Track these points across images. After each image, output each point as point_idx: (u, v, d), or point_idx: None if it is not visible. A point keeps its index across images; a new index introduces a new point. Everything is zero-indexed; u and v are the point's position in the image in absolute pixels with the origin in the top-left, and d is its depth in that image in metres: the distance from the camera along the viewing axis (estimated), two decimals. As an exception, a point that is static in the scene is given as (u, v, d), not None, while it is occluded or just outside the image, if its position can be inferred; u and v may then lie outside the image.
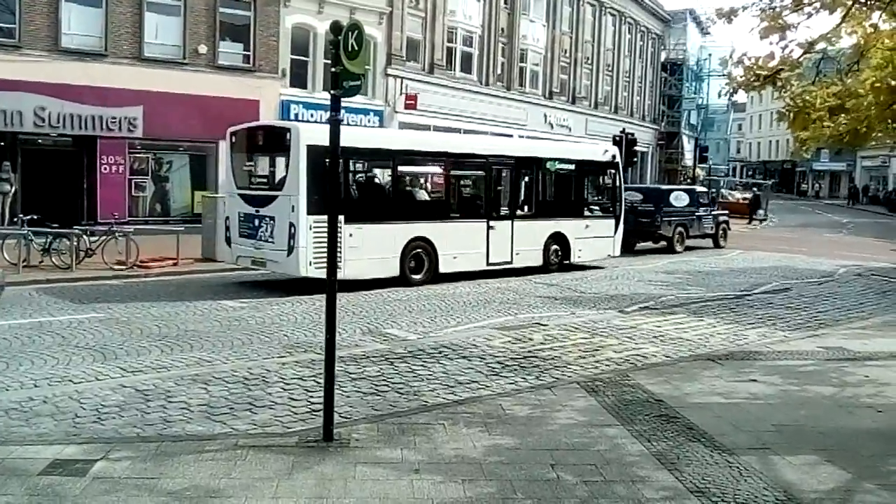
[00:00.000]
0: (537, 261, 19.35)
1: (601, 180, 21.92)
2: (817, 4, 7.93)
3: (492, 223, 18.23)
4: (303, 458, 6.08)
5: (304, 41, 28.09)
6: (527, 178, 19.86)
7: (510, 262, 18.62)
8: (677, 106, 62.19)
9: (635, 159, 29.26)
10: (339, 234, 12.65)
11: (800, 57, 8.39)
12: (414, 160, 18.12)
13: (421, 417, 7.32)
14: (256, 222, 15.81)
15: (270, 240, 15.44)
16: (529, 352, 10.56)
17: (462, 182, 19.25)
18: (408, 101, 31.37)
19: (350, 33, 6.50)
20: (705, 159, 47.18)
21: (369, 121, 29.90)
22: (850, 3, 7.87)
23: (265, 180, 17.00)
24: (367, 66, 6.62)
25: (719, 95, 57.17)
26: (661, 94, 58.98)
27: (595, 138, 43.36)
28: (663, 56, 58.85)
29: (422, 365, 9.66)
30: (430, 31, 33.11)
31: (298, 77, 28.07)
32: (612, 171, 21.82)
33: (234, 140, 17.14)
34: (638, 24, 52.47)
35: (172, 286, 15.82)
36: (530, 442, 6.64)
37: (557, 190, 20.70)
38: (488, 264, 18.12)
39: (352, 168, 16.19)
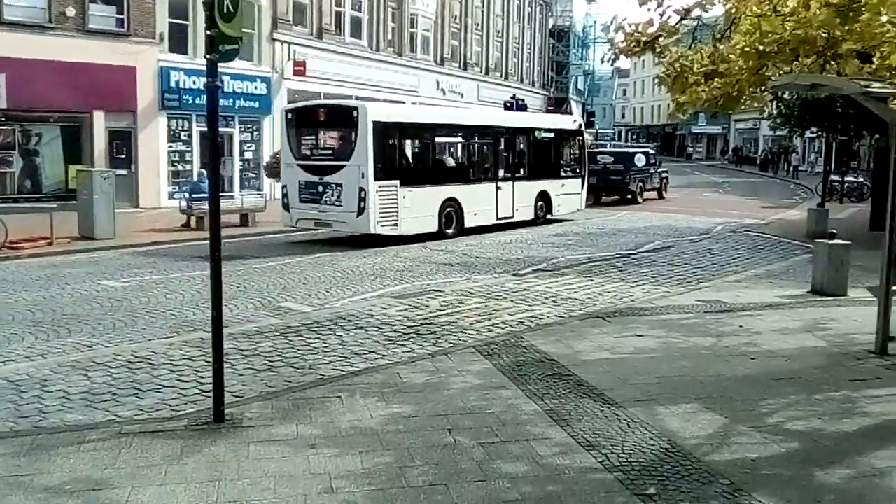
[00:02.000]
0: (530, 215, 22.89)
1: (571, 145, 25.39)
2: (692, -28, 8.22)
3: (499, 184, 21.62)
4: (193, 442, 5.92)
5: (184, 4, 26.77)
6: (521, 146, 23.13)
7: (511, 217, 22.05)
8: (565, 72, 63.38)
9: (288, 114, 29.54)
10: (395, 196, 18.17)
11: (677, 23, 8.69)
12: (445, 132, 21.50)
13: (317, 391, 7.28)
14: (320, 189, 18.38)
15: (338, 203, 18.10)
16: (426, 319, 10.66)
17: (477, 150, 22.47)
18: (296, 68, 30.73)
19: (225, -7, 6.26)
20: (592, 124, 48.46)
21: (256, 88, 29.24)
22: (722, -30, 8.22)
23: (330, 152, 19.31)
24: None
25: (602, 61, 58.59)
26: (549, 61, 59.98)
27: (486, 104, 43.92)
28: (551, 23, 59.74)
29: (317, 338, 9.60)
30: (317, -5, 32.46)
31: (179, 42, 26.87)
32: (580, 137, 25.61)
33: (290, 116, 19.49)
34: (526, -10, 53.03)
35: (47, 268, 15.07)
36: (428, 409, 6.75)
37: (542, 155, 23.88)
38: (497, 219, 21.52)
39: (403, 139, 19.58)
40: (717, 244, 19.44)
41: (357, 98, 32.03)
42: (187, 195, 21.64)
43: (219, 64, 6.48)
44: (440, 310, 11.26)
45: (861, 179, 35.13)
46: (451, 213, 20.06)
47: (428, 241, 18.84)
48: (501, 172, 21.92)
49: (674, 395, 7.05)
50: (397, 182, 18.35)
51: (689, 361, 8.31)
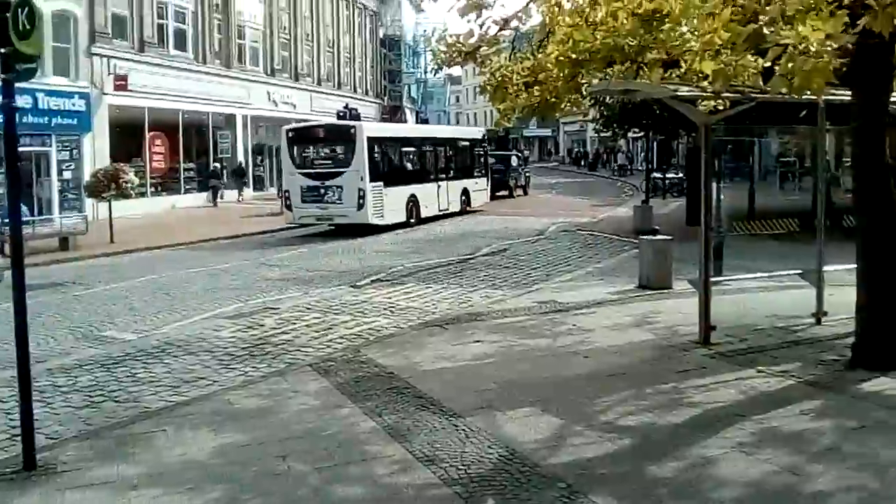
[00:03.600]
0: (458, 208, 28.71)
1: (479, 152, 31.88)
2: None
3: (439, 184, 27.63)
4: (-1, 495, 5.38)
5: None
6: (451, 153, 29.56)
7: (448, 209, 27.90)
8: (398, 80, 63.85)
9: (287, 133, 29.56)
10: (382, 194, 23.29)
11: (496, 34, 8.77)
12: (407, 143, 27.33)
13: (141, 426, 6.84)
14: (322, 191, 23.30)
15: (339, 202, 23.08)
16: (261, 338, 10.30)
17: (426, 157, 27.97)
18: (117, 82, 29.20)
19: (20, 10, 5.77)
20: (426, 131, 48.99)
21: (74, 104, 27.47)
22: (537, -18, 8.40)
23: (330, 161, 24.01)
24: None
25: (425, 71, 59.45)
26: (382, 70, 60.15)
27: (320, 114, 43.41)
28: (382, 32, 59.97)
29: (143, 367, 9.06)
30: (137, 7, 30.92)
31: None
32: (484, 145, 32.79)
33: (291, 135, 24.73)
34: (355, 1, 52.87)
35: None
36: (261, 435, 6.45)
37: (463, 159, 30.45)
38: (439, 211, 27.31)
39: (384, 150, 25.02)
40: (550, 244, 20.05)
41: (184, 112, 32.04)
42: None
43: (21, 83, 6.04)
44: (275, 328, 10.92)
45: (681, 175, 37.32)
46: (412, 207, 25.53)
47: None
48: (441, 175, 28.07)
49: (512, 400, 7.10)
50: (382, 183, 23.64)
51: (527, 364, 8.42)
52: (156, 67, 31.61)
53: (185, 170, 34.22)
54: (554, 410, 6.78)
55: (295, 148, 24.53)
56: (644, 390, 7.31)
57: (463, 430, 6.35)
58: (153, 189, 31.83)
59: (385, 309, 12.07)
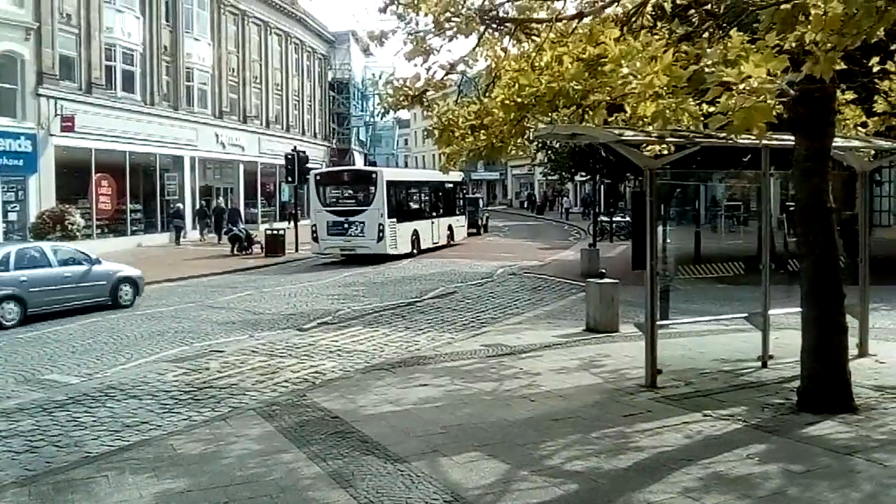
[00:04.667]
0: (445, 241, 33.03)
1: (459, 193, 36.61)
2: (454, 29, 8.44)
3: (433, 221, 32.11)
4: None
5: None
6: (441, 194, 34.07)
7: (438, 242, 32.17)
8: (347, 123, 63.93)
9: (307, 176, 29.59)
10: (395, 229, 27.57)
11: (442, 78, 8.84)
12: (411, 186, 31.86)
13: (82, 471, 6.65)
14: (346, 226, 27.44)
15: (361, 235, 27.21)
16: (205, 382, 10.10)
17: (423, 198, 32.55)
18: (64, 123, 28.69)
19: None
20: (376, 174, 49.07)
21: (20, 145, 27.00)
22: (482, 29, 8.51)
23: (353, 201, 28.26)
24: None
25: (372, 115, 59.75)
26: (330, 113, 60.26)
27: (268, 157, 43.29)
28: (330, 75, 60.20)
29: (85, 411, 8.85)
30: (85, 49, 30.53)
31: None
32: (463, 187, 37.68)
33: (318, 177, 29.48)
34: (304, 45, 53.10)
35: None
36: (203, 482, 6.27)
37: (447, 200, 34.88)
38: (433, 243, 31.44)
39: (397, 191, 29.20)
40: (498, 287, 20.09)
41: (131, 153, 32.67)
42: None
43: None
44: (220, 371, 10.71)
45: (628, 219, 37.90)
46: (415, 240, 29.68)
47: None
48: (434, 213, 32.69)
49: (457, 445, 7.01)
50: (395, 220, 27.91)
51: (472, 408, 8.34)
52: (103, 109, 31.22)
53: (132, 211, 33.64)
54: (500, 455, 6.70)
55: (321, 188, 28.79)
56: (590, 435, 7.27)
57: (408, 475, 6.24)
58: (99, 230, 31.19)
59: (331, 352, 11.91)
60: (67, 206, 26.03)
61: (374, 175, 28.33)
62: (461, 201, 36.78)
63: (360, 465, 6.50)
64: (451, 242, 33.80)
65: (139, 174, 34.20)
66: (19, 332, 14.51)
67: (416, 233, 29.77)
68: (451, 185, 35.19)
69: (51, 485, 6.33)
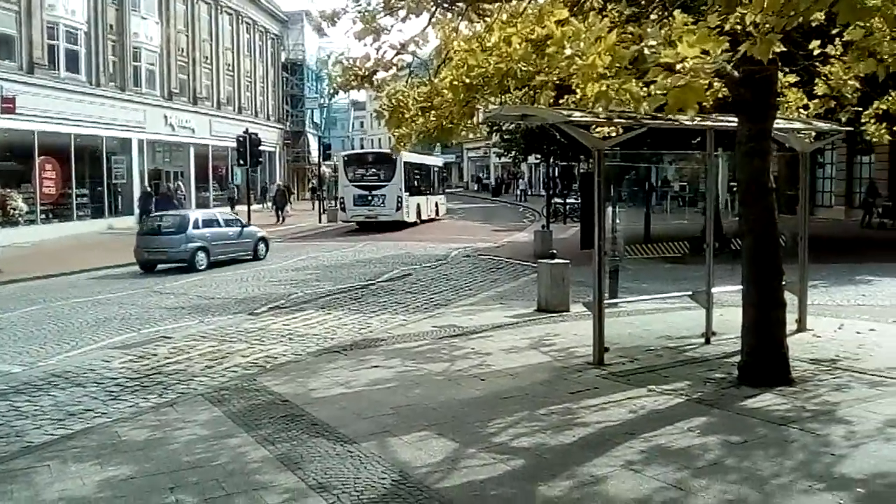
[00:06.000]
0: (435, 215, 39.64)
1: (443, 175, 44.77)
2: (405, 9, 8.40)
3: (428, 197, 39.07)
4: None
5: None
6: (433, 175, 41.23)
7: (431, 216, 38.74)
8: (301, 105, 63.28)
9: (261, 159, 29.34)
10: (408, 202, 35.06)
11: (393, 58, 8.78)
12: (415, 166, 37.45)
13: (22, 461, 6.51)
14: (369, 198, 34.06)
15: (382, 206, 33.85)
16: (153, 368, 9.99)
17: (420, 177, 38.68)
18: (5, 105, 27.84)
19: None
20: (329, 156, 48.62)
21: (-46, 128, 26.22)
22: (433, 9, 8.47)
23: (376, 178, 34.55)
24: None
25: (321, 95, 59.21)
26: (284, 94, 59.59)
27: (220, 139, 42.70)
28: (283, 56, 59.46)
29: (27, 400, 8.68)
30: (26, 27, 29.69)
31: None
32: (445, 170, 46.52)
33: (346, 158, 37.47)
34: (256, 25, 52.40)
35: None
36: (148, 468, 6.20)
37: (438, 180, 42.27)
38: (426, 216, 37.92)
39: (410, 170, 35.80)
40: (452, 269, 20.15)
41: (76, 136, 31.92)
42: None
43: None
44: (168, 357, 10.60)
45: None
46: (419, 211, 36.56)
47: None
48: (429, 191, 39.64)
49: (407, 425, 7.04)
50: (408, 194, 34.76)
51: (423, 389, 8.38)
52: (46, 90, 30.34)
53: (77, 195, 32.89)
54: (448, 434, 6.75)
55: (350, 168, 35.75)
56: (537, 412, 7.36)
57: (357, 455, 6.26)
58: (44, 216, 30.47)
59: (283, 336, 11.86)
60: (9, 190, 25.32)
61: (394, 157, 33.20)
62: (444, 182, 43.87)
63: (308, 448, 6.49)
64: (437, 217, 39.80)
65: (85, 157, 33.46)
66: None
67: (418, 205, 36.49)
68: (438, 168, 42.18)
69: (-11, 475, 6.19)
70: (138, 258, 21.53)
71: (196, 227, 21.69)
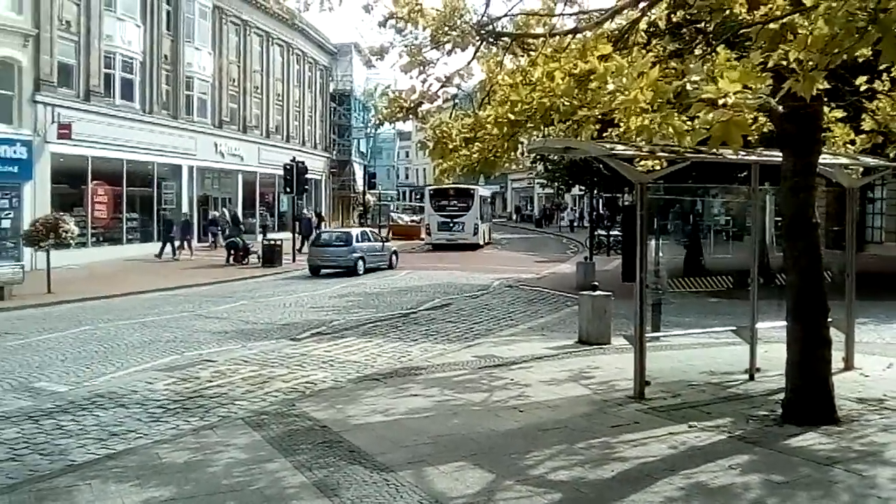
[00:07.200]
0: (489, 240, 44.65)
1: (486, 203, 48.02)
2: (451, 43, 8.53)
3: (486, 224, 44.34)
4: None
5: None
6: (482, 203, 44.13)
7: (488, 240, 44.01)
8: (347, 135, 64.03)
9: (307, 187, 29.74)
10: (482, 228, 43.77)
11: (438, 90, 8.93)
12: (486, 199, 45.59)
13: (65, 479, 6.62)
14: (451, 225, 41.01)
15: (461, 231, 40.77)
16: (195, 391, 10.12)
17: (486, 206, 45.72)
18: (61, 131, 28.69)
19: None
20: (374, 185, 49.22)
21: (15, 151, 26.90)
22: (479, 43, 8.60)
23: (456, 208, 41.31)
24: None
25: (366, 126, 59.87)
26: (331, 124, 60.41)
27: (267, 167, 43.39)
28: (332, 87, 60.38)
29: (72, 420, 8.84)
30: (84, 56, 30.61)
31: None
32: (489, 198, 51.76)
33: (432, 192, 43.64)
34: (306, 56, 53.32)
35: None
36: (187, 490, 6.29)
37: (482, 207, 43.99)
38: (486, 241, 43.41)
39: (481, 203, 43.30)
40: (494, 299, 20.13)
41: (128, 161, 32.63)
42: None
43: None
44: (210, 381, 10.73)
45: (626, 233, 37.91)
46: (485, 237, 42.91)
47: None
48: (485, 218, 44.21)
49: (444, 455, 7.04)
50: (480, 221, 41.63)
51: (461, 419, 8.37)
52: (101, 116, 31.24)
53: (127, 219, 33.67)
54: (486, 465, 6.74)
55: (433, 199, 42.61)
56: (576, 445, 7.31)
57: (393, 484, 6.27)
58: (94, 239, 31.23)
59: (323, 362, 11.95)
60: (62, 213, 25.98)
61: (472, 191, 41.42)
62: (489, 209, 49.19)
63: (345, 475, 6.52)
64: (490, 241, 44.78)
65: (136, 183, 34.26)
66: (6, 340, 14.49)
67: (485, 231, 42.98)
68: (484, 195, 46.25)
69: (32, 493, 6.30)
70: (310, 264, 27.67)
71: (358, 240, 28.01)
